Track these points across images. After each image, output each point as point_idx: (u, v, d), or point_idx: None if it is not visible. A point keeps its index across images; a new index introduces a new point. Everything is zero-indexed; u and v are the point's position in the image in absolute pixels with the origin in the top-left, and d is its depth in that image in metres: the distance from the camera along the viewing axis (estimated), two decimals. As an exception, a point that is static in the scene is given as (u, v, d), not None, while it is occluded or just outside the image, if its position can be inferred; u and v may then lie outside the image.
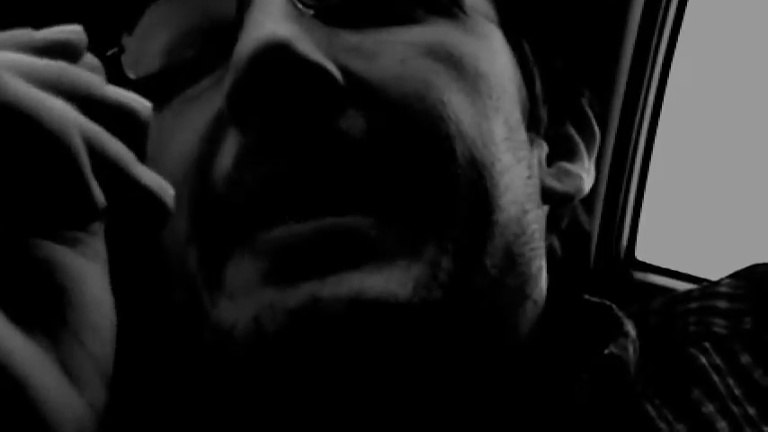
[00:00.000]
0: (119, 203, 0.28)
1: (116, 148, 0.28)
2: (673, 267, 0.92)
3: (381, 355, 0.37)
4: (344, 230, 0.37)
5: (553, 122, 0.49)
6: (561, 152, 0.49)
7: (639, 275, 0.93)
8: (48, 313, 0.28)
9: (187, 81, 0.42)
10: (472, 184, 0.39)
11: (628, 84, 0.87)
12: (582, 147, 0.50)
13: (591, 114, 0.52)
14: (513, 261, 0.41)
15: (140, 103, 0.29)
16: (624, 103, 0.87)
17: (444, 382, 0.40)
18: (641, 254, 0.94)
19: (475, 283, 0.39)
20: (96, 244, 0.31)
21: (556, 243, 0.51)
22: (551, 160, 0.48)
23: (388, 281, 0.36)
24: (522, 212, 0.42)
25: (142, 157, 0.29)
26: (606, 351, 0.43)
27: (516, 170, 0.42)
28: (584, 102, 0.52)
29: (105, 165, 0.27)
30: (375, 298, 0.36)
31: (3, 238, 0.27)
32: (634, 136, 0.89)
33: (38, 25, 0.31)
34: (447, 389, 0.40)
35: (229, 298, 0.38)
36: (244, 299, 0.38)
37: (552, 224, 0.49)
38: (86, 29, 0.31)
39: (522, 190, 0.42)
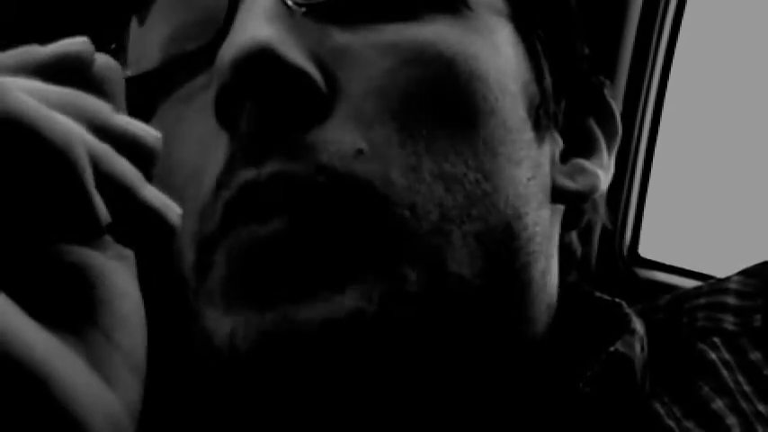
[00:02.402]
0: (124, 221, 0.28)
1: (122, 166, 0.27)
2: (677, 264, 0.92)
3: (356, 372, 0.37)
4: (311, 245, 0.36)
5: (572, 116, 0.47)
6: (579, 147, 0.47)
7: (643, 273, 0.92)
8: (71, 310, 0.28)
9: (183, 78, 0.42)
10: (438, 201, 0.38)
11: (629, 77, 0.87)
12: (602, 141, 0.48)
13: (614, 107, 0.50)
14: (502, 268, 0.40)
15: (149, 134, 0.29)
16: (626, 96, 0.86)
17: (431, 395, 0.39)
18: (645, 251, 0.94)
19: (451, 293, 0.38)
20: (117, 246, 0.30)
21: (575, 241, 0.49)
22: (567, 156, 0.46)
23: (355, 297, 0.36)
24: (514, 217, 0.40)
25: (149, 180, 0.29)
26: (612, 348, 0.42)
27: (508, 173, 0.40)
28: (607, 93, 0.50)
29: (111, 183, 0.27)
30: (345, 316, 0.36)
31: (20, 244, 0.27)
32: (637, 130, 0.89)
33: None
34: (436, 401, 0.39)
35: (211, 304, 0.38)
36: (222, 310, 0.38)
37: (570, 221, 0.48)
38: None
39: (515, 192, 0.40)
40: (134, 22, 0.45)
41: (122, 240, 0.29)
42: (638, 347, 0.43)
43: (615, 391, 0.41)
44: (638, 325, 0.44)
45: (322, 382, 0.37)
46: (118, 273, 0.30)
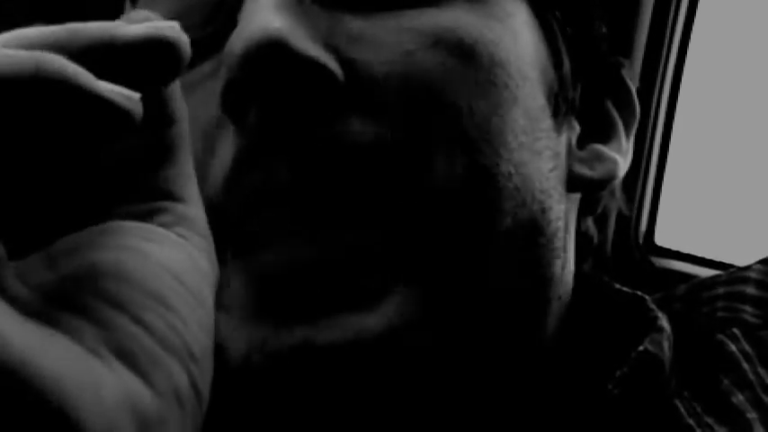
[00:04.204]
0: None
1: (68, 67, 0.25)
2: (694, 252, 0.90)
3: (382, 390, 0.36)
4: (335, 260, 0.35)
5: (589, 99, 0.46)
6: (596, 132, 0.46)
7: (659, 261, 0.92)
8: (93, 295, 0.26)
9: (187, 65, 0.40)
10: (475, 191, 0.37)
11: (644, 64, 0.86)
12: (619, 125, 0.47)
13: (632, 87, 0.48)
14: (528, 265, 0.39)
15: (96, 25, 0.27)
16: (641, 82, 0.85)
17: (458, 400, 0.38)
18: (661, 239, 0.93)
19: (482, 296, 0.37)
20: (184, 210, 0.29)
21: (591, 227, 0.48)
22: (585, 141, 0.45)
23: (385, 316, 0.35)
24: (539, 211, 0.39)
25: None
26: (641, 348, 0.41)
27: (533, 165, 0.39)
28: (625, 74, 0.49)
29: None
30: (374, 338, 0.34)
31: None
32: (652, 116, 0.88)
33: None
34: (462, 409, 0.38)
35: (226, 312, 0.37)
36: (237, 327, 0.37)
37: (587, 208, 0.47)
38: (82, 7, 0.29)
39: (540, 186, 0.39)
40: (128, 5, 0.44)
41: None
42: (666, 346, 0.42)
43: (645, 392, 0.40)
44: (665, 322, 0.43)
45: (338, 405, 0.36)
46: (160, 250, 0.27)
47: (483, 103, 0.38)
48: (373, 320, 0.35)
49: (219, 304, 0.36)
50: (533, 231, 0.39)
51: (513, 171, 0.38)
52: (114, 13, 0.44)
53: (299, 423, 0.37)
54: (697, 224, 1.00)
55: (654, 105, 0.88)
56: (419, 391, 0.37)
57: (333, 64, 0.36)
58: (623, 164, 0.45)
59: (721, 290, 0.46)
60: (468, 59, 0.38)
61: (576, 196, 0.45)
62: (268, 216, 0.36)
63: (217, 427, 0.40)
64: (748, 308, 0.44)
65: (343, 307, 0.35)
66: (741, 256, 0.86)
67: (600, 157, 0.45)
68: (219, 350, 0.36)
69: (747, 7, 1.02)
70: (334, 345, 0.34)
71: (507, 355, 0.39)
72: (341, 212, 0.35)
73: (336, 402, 0.36)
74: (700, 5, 0.88)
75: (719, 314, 0.45)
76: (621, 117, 0.47)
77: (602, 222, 0.50)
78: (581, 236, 0.46)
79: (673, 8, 0.86)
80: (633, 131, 0.48)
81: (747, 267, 0.47)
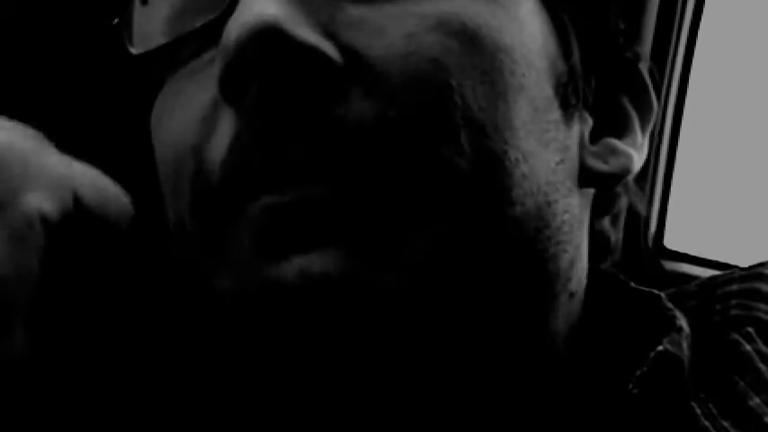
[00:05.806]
0: None
1: None
2: (704, 255, 0.90)
3: (372, 340, 0.36)
4: (329, 202, 0.35)
5: (603, 93, 0.45)
6: (610, 126, 0.45)
7: (669, 264, 0.91)
8: None
9: (190, 54, 0.41)
10: (478, 176, 0.36)
11: (651, 58, 0.85)
12: (635, 120, 0.46)
13: (649, 82, 0.47)
14: (532, 258, 0.38)
15: None
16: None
17: (451, 375, 0.38)
18: (670, 242, 0.93)
19: (481, 280, 0.37)
20: None
21: (607, 227, 0.47)
22: (598, 136, 0.44)
23: (373, 264, 0.35)
24: (545, 203, 0.39)
25: None
26: (660, 348, 0.40)
27: (541, 156, 0.39)
28: (642, 68, 0.48)
29: None
30: (360, 278, 0.35)
31: None
32: (660, 118, 0.87)
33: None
34: (455, 382, 0.38)
35: (227, 270, 0.37)
36: (238, 272, 0.37)
37: (603, 206, 0.46)
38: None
39: (546, 178, 0.39)
40: None
41: None
42: (685, 346, 0.41)
43: (664, 393, 0.39)
44: (684, 322, 0.42)
45: (340, 343, 0.36)
46: None
47: (488, 88, 0.37)
48: (361, 261, 0.35)
49: (223, 264, 0.38)
50: (538, 222, 0.38)
51: (521, 158, 0.37)
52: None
53: (299, 359, 0.37)
54: (707, 227, 1.00)
55: (661, 107, 0.88)
56: (411, 357, 0.37)
57: (330, 49, 0.36)
58: (638, 158, 0.44)
59: (735, 287, 0.45)
60: (471, 44, 0.37)
61: (590, 192, 0.44)
62: (266, 187, 0.37)
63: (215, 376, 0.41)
64: (763, 306, 0.43)
65: (335, 240, 0.35)
66: (751, 258, 0.85)
67: (614, 151, 0.44)
68: (225, 311, 0.38)
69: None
70: (326, 275, 0.35)
71: (509, 346, 0.39)
72: (340, 190, 0.36)
73: (334, 337, 0.36)
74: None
75: (733, 312, 0.44)
76: (637, 111, 0.46)
77: (614, 223, 0.49)
78: (597, 235, 0.45)
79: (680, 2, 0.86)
80: (649, 126, 0.47)
81: (762, 264, 0.46)
